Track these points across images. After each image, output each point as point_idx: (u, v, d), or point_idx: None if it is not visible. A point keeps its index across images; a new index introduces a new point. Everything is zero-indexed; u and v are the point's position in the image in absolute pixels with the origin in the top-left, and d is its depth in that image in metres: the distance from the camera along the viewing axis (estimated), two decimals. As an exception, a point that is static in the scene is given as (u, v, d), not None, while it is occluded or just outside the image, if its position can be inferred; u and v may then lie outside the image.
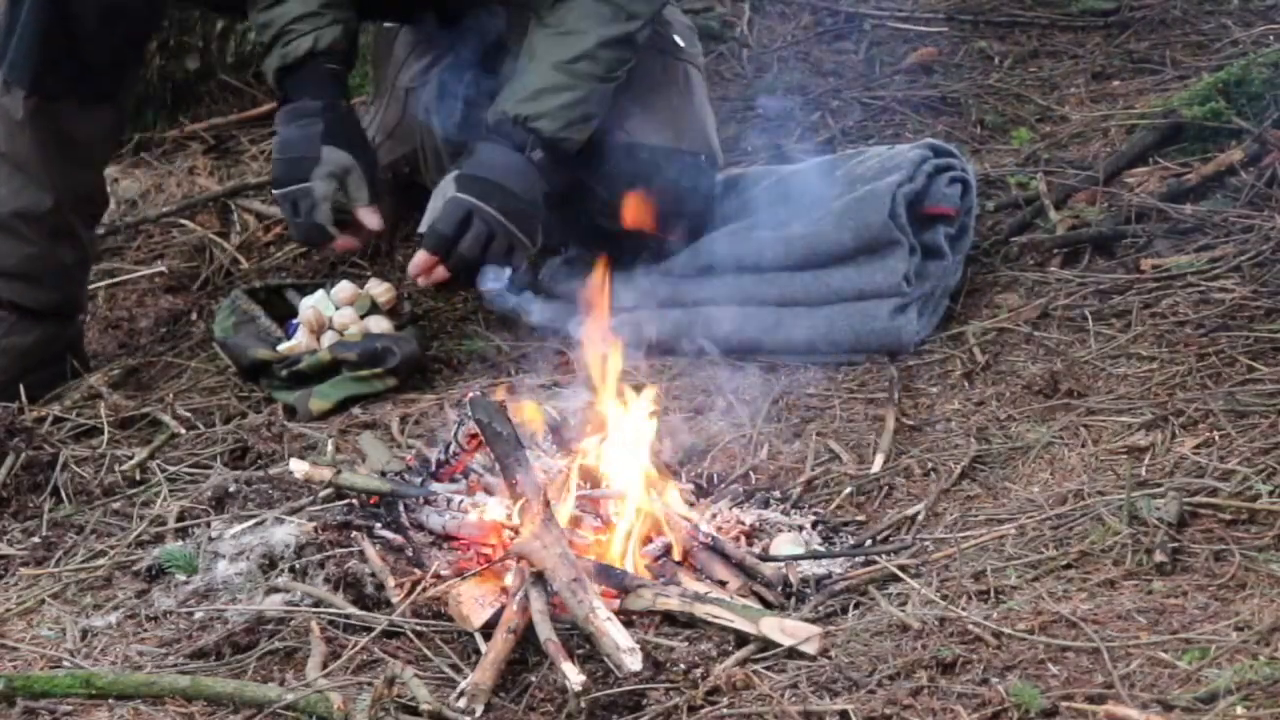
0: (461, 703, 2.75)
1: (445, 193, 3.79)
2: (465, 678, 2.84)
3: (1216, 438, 3.28)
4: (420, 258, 3.78)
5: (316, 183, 3.78)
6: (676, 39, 4.03)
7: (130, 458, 3.61)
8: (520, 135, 3.77)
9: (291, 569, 3.13)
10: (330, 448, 3.57)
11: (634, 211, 3.84)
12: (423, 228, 3.81)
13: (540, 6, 3.82)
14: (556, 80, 3.77)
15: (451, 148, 4.05)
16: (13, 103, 3.83)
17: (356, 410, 3.75)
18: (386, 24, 4.40)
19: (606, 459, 3.26)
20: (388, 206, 4.12)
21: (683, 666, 2.83)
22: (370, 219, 3.83)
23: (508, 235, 3.76)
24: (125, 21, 3.85)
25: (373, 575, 3.09)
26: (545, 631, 2.82)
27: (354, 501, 3.29)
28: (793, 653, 2.84)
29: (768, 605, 3.06)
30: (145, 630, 3.06)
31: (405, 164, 4.35)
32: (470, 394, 3.54)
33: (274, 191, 3.84)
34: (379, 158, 4.37)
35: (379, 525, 3.23)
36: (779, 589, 3.10)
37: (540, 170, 3.78)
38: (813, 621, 2.93)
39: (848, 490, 3.40)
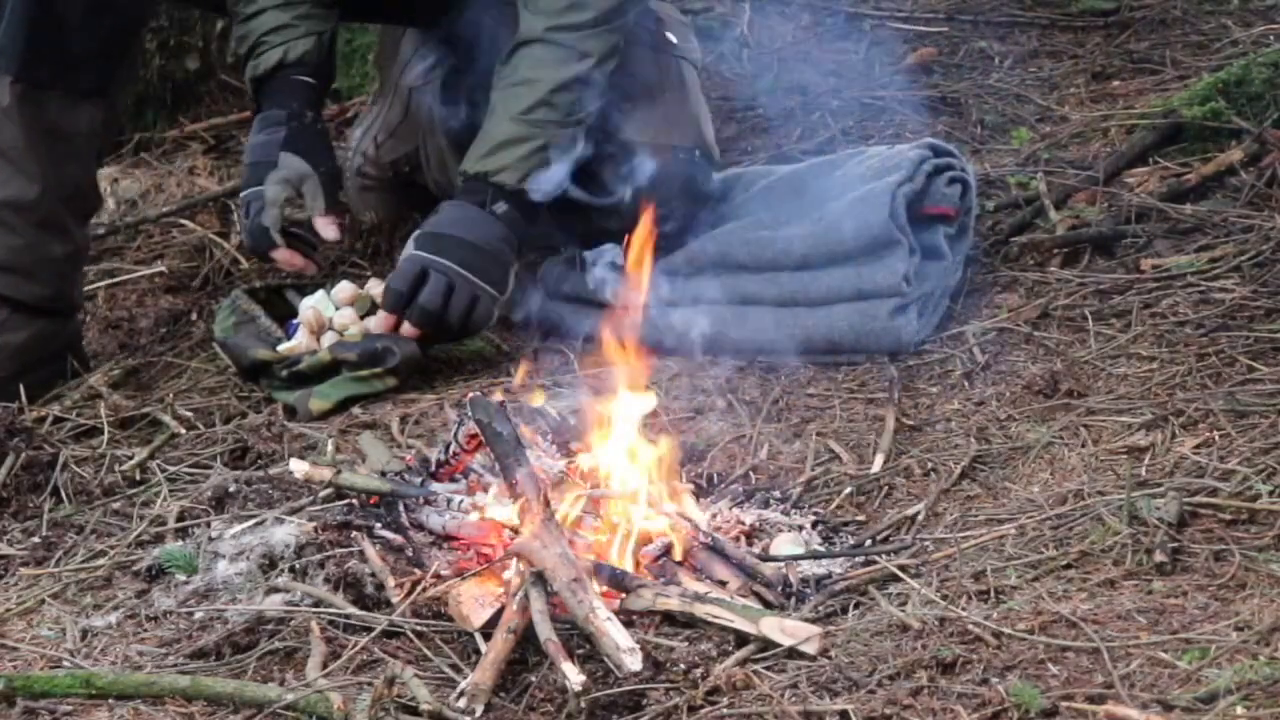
0: (461, 703, 2.75)
1: (406, 253, 3.84)
2: (465, 678, 2.84)
3: (1216, 438, 3.28)
4: (380, 317, 3.82)
5: (269, 186, 3.84)
6: (670, 35, 4.04)
7: (130, 458, 3.61)
8: (483, 191, 3.81)
9: (291, 569, 3.13)
10: (330, 448, 3.57)
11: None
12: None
13: (497, 61, 3.87)
14: (515, 132, 3.81)
15: (457, 148, 4.05)
16: (0, 89, 3.83)
17: (356, 410, 3.75)
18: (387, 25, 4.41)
19: (606, 459, 3.27)
20: (358, 219, 4.17)
21: (683, 666, 2.83)
22: (326, 229, 3.87)
23: (469, 285, 3.78)
24: (113, 13, 3.86)
25: (373, 575, 3.09)
26: (545, 631, 2.82)
27: (354, 501, 3.29)
28: (793, 653, 2.84)
29: (768, 605, 3.06)
30: (145, 630, 3.06)
31: (406, 163, 4.35)
32: (470, 394, 3.53)
33: (236, 201, 3.88)
34: (381, 156, 4.39)
35: (379, 525, 3.23)
36: (779, 589, 3.09)
37: (506, 221, 3.82)
38: (813, 621, 2.93)
39: (848, 490, 3.40)
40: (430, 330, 3.80)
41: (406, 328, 3.80)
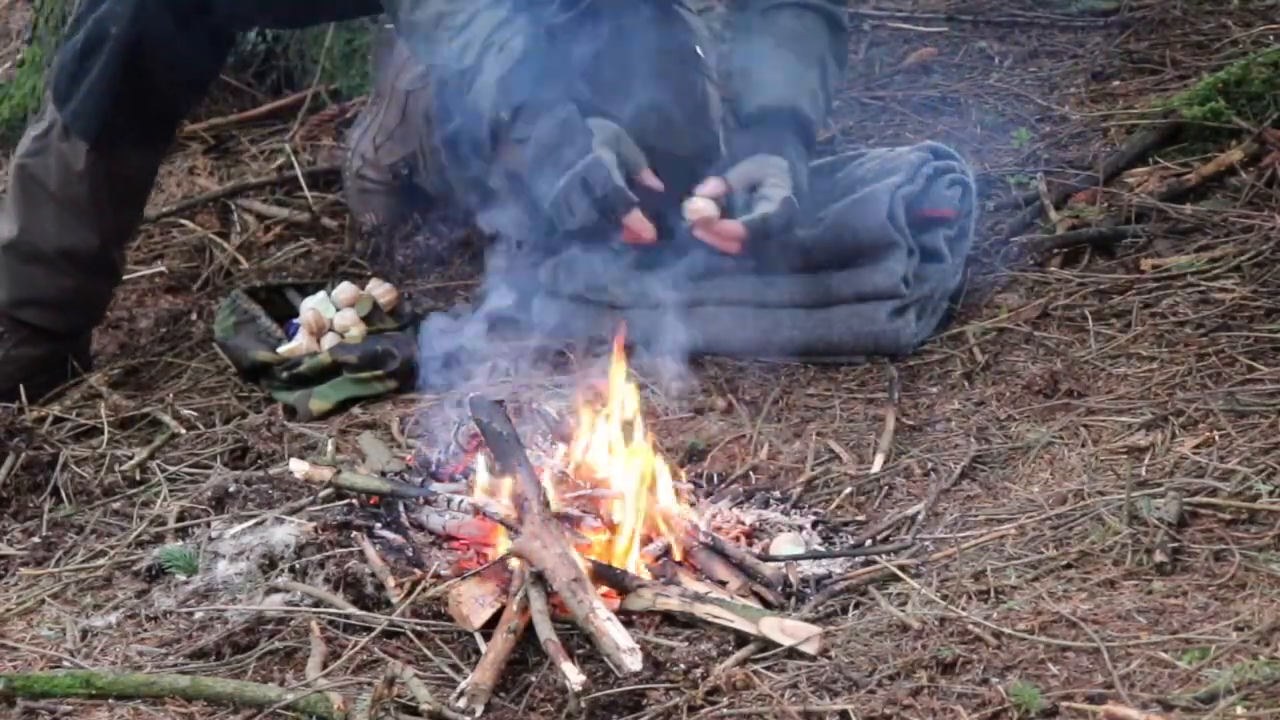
0: (461, 703, 2.75)
1: (768, 178, 3.67)
2: (465, 678, 2.84)
3: (1216, 438, 3.28)
4: (734, 229, 3.61)
5: (601, 151, 3.59)
6: (699, 51, 4.02)
7: (130, 458, 3.61)
8: (809, 134, 3.78)
9: (291, 569, 3.13)
10: (330, 448, 3.57)
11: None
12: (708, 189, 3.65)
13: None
14: (823, 78, 3.82)
15: (449, 150, 4.03)
16: (72, 151, 3.83)
17: (356, 410, 3.75)
18: (388, 25, 4.40)
19: (605, 458, 3.27)
20: (358, 220, 4.12)
21: (683, 666, 2.83)
22: (653, 180, 3.67)
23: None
24: (194, 73, 3.87)
25: (373, 575, 3.09)
26: (545, 631, 2.82)
27: (354, 501, 3.30)
28: (793, 653, 2.84)
29: (768, 605, 3.06)
30: (145, 630, 3.06)
31: (405, 165, 4.35)
32: (470, 394, 3.53)
33: (549, 200, 3.62)
34: (379, 159, 4.38)
35: (379, 525, 3.23)
36: (779, 589, 3.10)
37: None
38: (813, 621, 2.93)
39: (848, 490, 3.40)
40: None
41: (737, 229, 3.62)
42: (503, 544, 3.12)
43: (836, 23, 3.90)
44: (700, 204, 3.62)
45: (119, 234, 4.01)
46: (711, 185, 3.65)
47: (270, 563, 3.16)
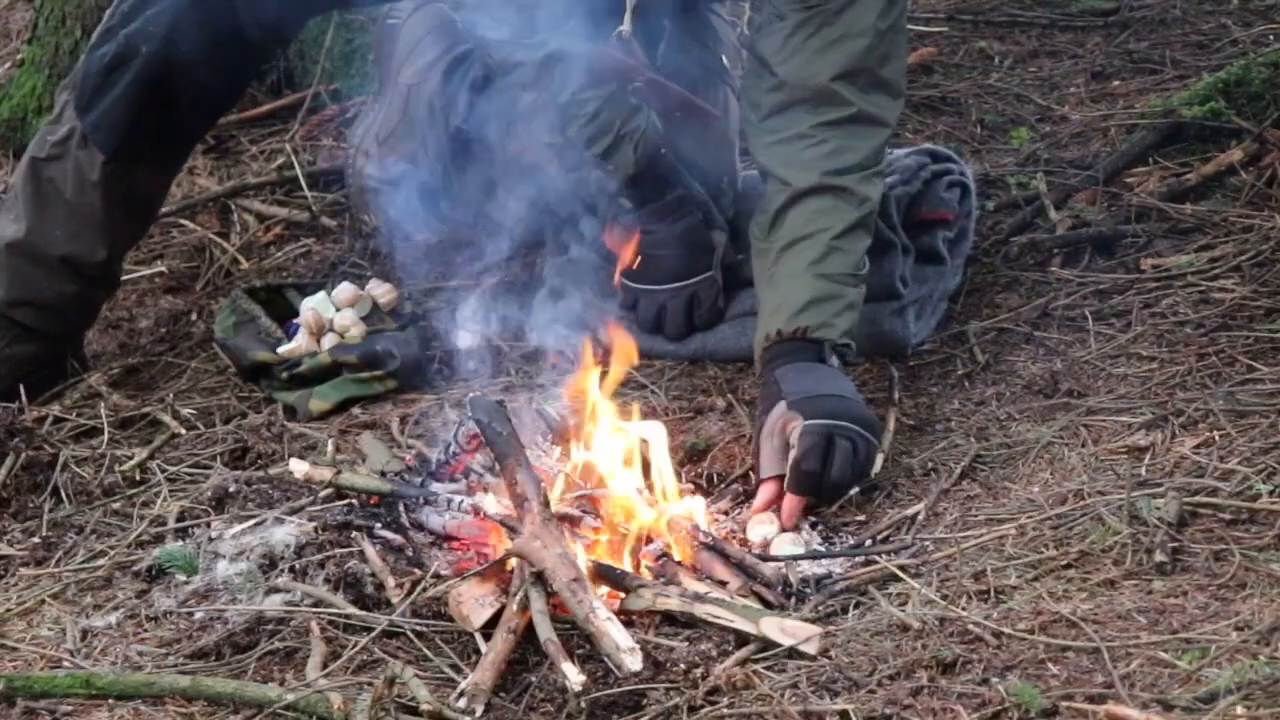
0: (461, 703, 2.76)
1: (787, 428, 3.36)
2: (465, 678, 2.84)
3: (1216, 438, 3.28)
4: (792, 504, 3.31)
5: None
6: (725, 61, 4.02)
7: (130, 458, 3.61)
8: (808, 348, 3.47)
9: (291, 569, 3.13)
10: (330, 448, 3.57)
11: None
12: (768, 470, 3.36)
13: (755, 224, 3.64)
14: (819, 288, 3.49)
15: (455, 143, 4.02)
16: (89, 161, 3.83)
17: (356, 410, 3.75)
18: (390, 20, 4.39)
19: (605, 458, 3.27)
20: (359, 219, 4.12)
21: (683, 666, 2.83)
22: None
23: (867, 445, 3.37)
24: (214, 97, 3.89)
25: (373, 575, 3.09)
26: (545, 631, 2.82)
27: (354, 501, 3.30)
28: (793, 653, 2.85)
29: (768, 605, 3.06)
30: (145, 630, 3.07)
31: (408, 163, 4.34)
32: (470, 394, 3.54)
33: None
34: (382, 156, 4.38)
35: (379, 525, 3.23)
36: (779, 589, 3.10)
37: (843, 373, 3.50)
38: (813, 621, 2.93)
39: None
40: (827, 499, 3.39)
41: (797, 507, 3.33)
42: (503, 544, 3.12)
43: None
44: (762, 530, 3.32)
45: (127, 247, 4.04)
46: (761, 497, 3.36)
47: (270, 563, 3.16)
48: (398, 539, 3.20)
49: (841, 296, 3.50)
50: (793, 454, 3.31)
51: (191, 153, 4.07)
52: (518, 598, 2.91)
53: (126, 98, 3.78)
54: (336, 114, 4.89)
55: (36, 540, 3.39)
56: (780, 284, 3.53)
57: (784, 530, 3.26)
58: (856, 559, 3.18)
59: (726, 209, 3.95)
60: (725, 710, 2.72)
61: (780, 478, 3.32)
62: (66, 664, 2.97)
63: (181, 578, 3.17)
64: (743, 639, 2.89)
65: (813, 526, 3.31)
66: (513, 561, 2.99)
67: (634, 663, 2.78)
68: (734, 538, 3.25)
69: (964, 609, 2.90)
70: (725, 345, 3.80)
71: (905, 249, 3.79)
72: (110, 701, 2.83)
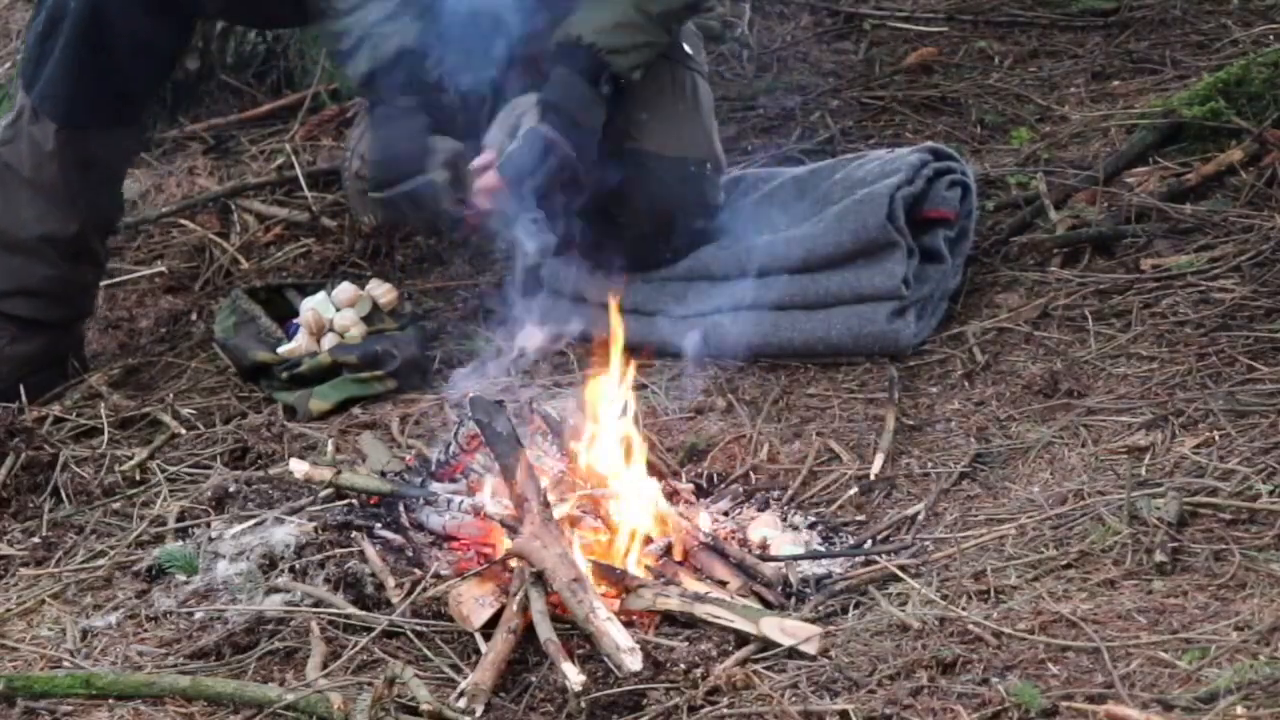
0: (461, 703, 2.76)
1: (522, 117, 3.72)
2: (465, 678, 2.84)
3: (1216, 438, 3.28)
4: (490, 179, 3.68)
5: (435, 174, 3.72)
6: (685, 47, 4.02)
7: (130, 458, 3.61)
8: (595, 64, 3.72)
9: (291, 569, 3.13)
10: (330, 448, 3.57)
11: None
12: (490, 141, 3.73)
13: None
14: (633, 18, 3.74)
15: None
16: (42, 133, 3.83)
17: (356, 410, 3.75)
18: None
19: (605, 458, 3.27)
20: (357, 220, 4.12)
21: (683, 666, 2.83)
22: (485, 202, 3.73)
23: (573, 169, 3.69)
24: (156, 52, 3.87)
25: (373, 575, 3.09)
26: (545, 631, 2.82)
27: (354, 501, 3.30)
28: (793, 653, 2.85)
29: (768, 605, 3.06)
30: (145, 630, 3.07)
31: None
32: (470, 394, 3.53)
33: (376, 194, 3.75)
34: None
35: (379, 525, 3.23)
36: (779, 589, 3.10)
37: (603, 102, 3.75)
38: (813, 621, 2.93)
39: (848, 490, 3.40)
40: (522, 205, 3.70)
41: (500, 199, 3.69)
42: (503, 544, 3.12)
43: None
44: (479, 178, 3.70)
45: (96, 221, 3.97)
46: (481, 159, 3.73)
47: (270, 563, 3.16)
48: (398, 539, 3.20)
49: (645, 31, 3.75)
50: (511, 144, 3.67)
51: (148, 115, 4.02)
52: (518, 598, 2.91)
53: (64, 59, 3.79)
54: (336, 114, 4.89)
55: (36, 540, 3.39)
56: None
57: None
58: (856, 559, 3.18)
59: (714, 196, 3.93)
60: (725, 710, 2.72)
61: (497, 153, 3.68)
62: (66, 664, 2.97)
63: (181, 578, 3.17)
64: (743, 639, 2.89)
65: (812, 526, 3.31)
66: (513, 561, 2.99)
67: (634, 663, 2.78)
68: (734, 537, 3.25)
69: (964, 609, 2.90)
70: (724, 341, 3.80)
71: (910, 251, 3.79)
72: (110, 701, 2.83)
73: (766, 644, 2.87)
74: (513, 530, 3.05)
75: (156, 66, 3.94)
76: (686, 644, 2.89)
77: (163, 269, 4.47)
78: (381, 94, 3.78)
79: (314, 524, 3.22)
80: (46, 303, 3.94)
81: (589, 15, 3.75)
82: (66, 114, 3.82)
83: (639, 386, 3.65)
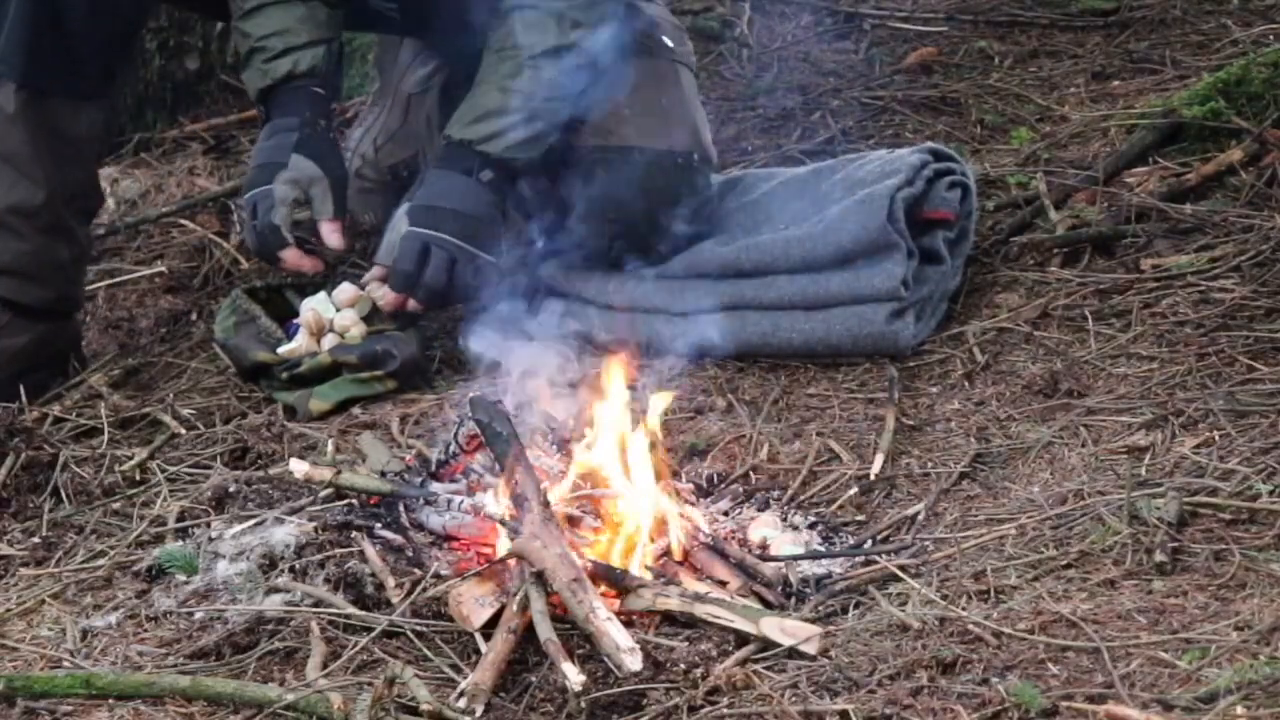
0: (461, 703, 2.75)
1: (399, 228, 3.82)
2: (465, 678, 2.84)
3: (1216, 438, 3.28)
4: (390, 298, 3.82)
5: (277, 185, 3.80)
6: (665, 40, 4.02)
7: (130, 458, 3.61)
8: (468, 158, 3.80)
9: (291, 569, 3.13)
10: (330, 448, 3.57)
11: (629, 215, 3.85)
12: (381, 259, 3.85)
13: (488, 30, 3.84)
14: (501, 101, 3.79)
15: None
16: (3, 96, 3.83)
17: (356, 410, 3.75)
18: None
19: (606, 458, 3.27)
20: (358, 220, 4.16)
21: (683, 666, 2.83)
22: (331, 236, 3.85)
23: (469, 256, 3.78)
24: (114, 15, 3.86)
25: (373, 575, 3.09)
26: (545, 631, 2.82)
27: (354, 501, 3.30)
28: (793, 653, 2.85)
29: (768, 605, 3.06)
30: (145, 630, 3.07)
31: (405, 168, 4.35)
32: (470, 394, 3.53)
33: (237, 201, 3.85)
34: (380, 160, 4.38)
35: (379, 525, 3.23)
36: (779, 589, 3.10)
37: (492, 188, 3.82)
38: (813, 621, 2.93)
39: (848, 490, 3.40)
40: (436, 306, 3.87)
41: (412, 304, 3.83)
42: (503, 544, 3.12)
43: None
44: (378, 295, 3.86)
45: (68, 195, 3.93)
46: (373, 274, 3.90)
47: (270, 563, 3.16)
48: (398, 539, 3.20)
49: (518, 111, 3.77)
50: (389, 253, 3.82)
51: (113, 88, 4.02)
52: (518, 598, 2.91)
53: (20, 17, 3.81)
54: (336, 114, 4.89)
55: (36, 540, 3.39)
56: (475, 89, 3.83)
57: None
58: (856, 559, 3.18)
59: (703, 187, 3.93)
60: (725, 710, 2.72)
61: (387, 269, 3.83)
62: (66, 664, 2.97)
63: (181, 578, 3.16)
64: (743, 639, 2.89)
65: (812, 526, 3.31)
66: (513, 561, 2.99)
67: (634, 663, 2.78)
68: (734, 537, 3.25)
69: (964, 609, 2.90)
70: (724, 341, 3.80)
71: (911, 252, 3.79)
72: (110, 701, 2.83)
73: (766, 644, 2.87)
74: (513, 530, 3.05)
75: (113, 33, 3.91)
76: (686, 644, 2.89)
77: (163, 269, 4.47)
78: (270, 112, 3.87)
79: (314, 524, 3.22)
80: (23, 283, 3.90)
81: (459, 113, 3.83)
82: (23, 74, 3.82)
83: (639, 387, 3.66)
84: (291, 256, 3.86)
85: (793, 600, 3.09)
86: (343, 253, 4.02)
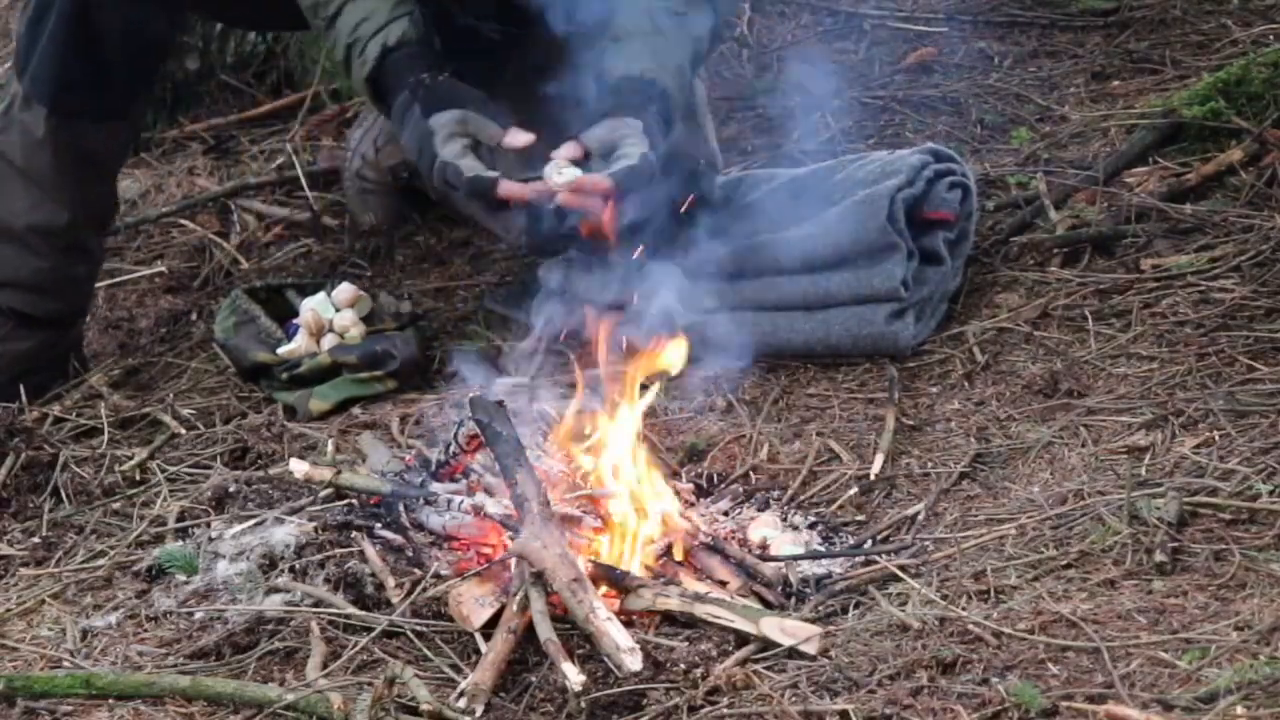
0: (461, 703, 2.76)
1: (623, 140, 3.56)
2: (465, 678, 2.84)
3: (1216, 438, 3.28)
4: (603, 184, 3.44)
5: (443, 149, 3.50)
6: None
7: (130, 458, 3.61)
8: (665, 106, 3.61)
9: (291, 569, 3.13)
10: (330, 448, 3.58)
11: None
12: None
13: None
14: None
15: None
16: (33, 119, 3.83)
17: (356, 410, 3.75)
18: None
19: (606, 459, 3.27)
20: (357, 221, 4.10)
21: (683, 666, 2.83)
22: (517, 138, 3.54)
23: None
24: (146, 40, 3.86)
25: (373, 575, 3.09)
26: (545, 631, 2.82)
27: (354, 501, 3.30)
28: (793, 653, 2.85)
29: (768, 605, 3.06)
30: (145, 630, 3.07)
31: (405, 169, 4.34)
32: (471, 394, 3.53)
33: (433, 186, 3.59)
34: (380, 161, 4.38)
35: (379, 525, 3.23)
36: (779, 589, 3.10)
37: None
38: (813, 621, 2.93)
39: (848, 490, 3.40)
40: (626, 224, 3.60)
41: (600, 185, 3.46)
42: (503, 544, 3.12)
43: (716, 28, 3.80)
44: (562, 169, 3.45)
45: (90, 214, 3.96)
46: (567, 149, 3.50)
47: (270, 563, 3.16)
48: (398, 539, 3.20)
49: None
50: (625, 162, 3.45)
51: (138, 105, 4.02)
52: (518, 598, 2.91)
53: (53, 41, 3.79)
54: (336, 114, 4.90)
55: (36, 540, 3.39)
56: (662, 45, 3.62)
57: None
58: (856, 559, 3.18)
59: (710, 193, 3.93)
60: (725, 710, 2.72)
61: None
62: (66, 664, 2.97)
63: (181, 578, 3.17)
64: (743, 639, 2.89)
65: (812, 527, 3.31)
66: (513, 561, 2.99)
67: (634, 663, 2.78)
68: (734, 537, 3.26)
69: (964, 609, 2.90)
70: (723, 342, 3.80)
71: (911, 253, 3.79)
72: (110, 701, 2.84)
73: (766, 644, 2.87)
74: (513, 530, 3.05)
75: (146, 56, 3.92)
76: (686, 644, 2.89)
77: (163, 269, 4.47)
78: (385, 97, 3.66)
79: (314, 524, 3.22)
80: (38, 297, 3.93)
81: (657, 57, 3.63)
82: (55, 98, 3.81)
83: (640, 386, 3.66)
84: (506, 187, 3.47)
85: (793, 600, 3.09)
86: (532, 150, 3.62)
